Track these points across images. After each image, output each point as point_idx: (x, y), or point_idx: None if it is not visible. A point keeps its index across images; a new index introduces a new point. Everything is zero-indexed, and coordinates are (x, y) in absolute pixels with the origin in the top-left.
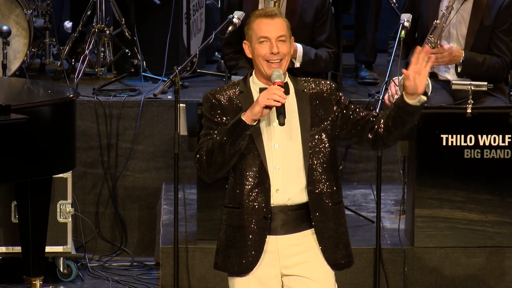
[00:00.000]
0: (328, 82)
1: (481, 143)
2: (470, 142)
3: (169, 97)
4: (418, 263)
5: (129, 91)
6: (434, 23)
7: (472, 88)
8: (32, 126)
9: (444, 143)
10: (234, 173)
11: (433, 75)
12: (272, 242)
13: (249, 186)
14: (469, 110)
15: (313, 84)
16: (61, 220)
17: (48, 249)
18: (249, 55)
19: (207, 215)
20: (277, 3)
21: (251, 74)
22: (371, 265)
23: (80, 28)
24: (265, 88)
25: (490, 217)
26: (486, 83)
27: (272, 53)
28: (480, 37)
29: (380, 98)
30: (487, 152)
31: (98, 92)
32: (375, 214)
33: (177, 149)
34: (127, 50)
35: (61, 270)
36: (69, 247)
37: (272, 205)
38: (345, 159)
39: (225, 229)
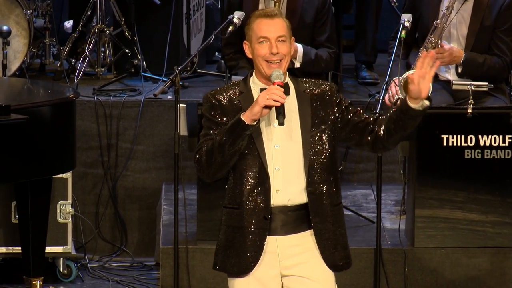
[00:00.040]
0: (328, 83)
1: (482, 144)
2: (471, 142)
3: (169, 97)
4: (419, 264)
5: (129, 91)
6: (434, 23)
7: (473, 88)
8: (32, 126)
9: (444, 143)
10: (234, 174)
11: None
12: (272, 243)
13: (249, 187)
14: (469, 110)
15: (314, 85)
16: (61, 220)
17: (48, 249)
18: (249, 55)
19: (207, 216)
20: (277, 3)
21: (251, 74)
22: (372, 266)
23: (80, 28)
24: (266, 89)
25: (491, 218)
26: (486, 83)
27: (271, 53)
28: (481, 37)
29: (381, 98)
30: (487, 152)
31: (98, 92)
32: (376, 215)
33: (177, 149)
34: (127, 50)
35: (61, 270)
36: (69, 248)
37: (272, 206)
38: (346, 160)
39: (224, 229)
